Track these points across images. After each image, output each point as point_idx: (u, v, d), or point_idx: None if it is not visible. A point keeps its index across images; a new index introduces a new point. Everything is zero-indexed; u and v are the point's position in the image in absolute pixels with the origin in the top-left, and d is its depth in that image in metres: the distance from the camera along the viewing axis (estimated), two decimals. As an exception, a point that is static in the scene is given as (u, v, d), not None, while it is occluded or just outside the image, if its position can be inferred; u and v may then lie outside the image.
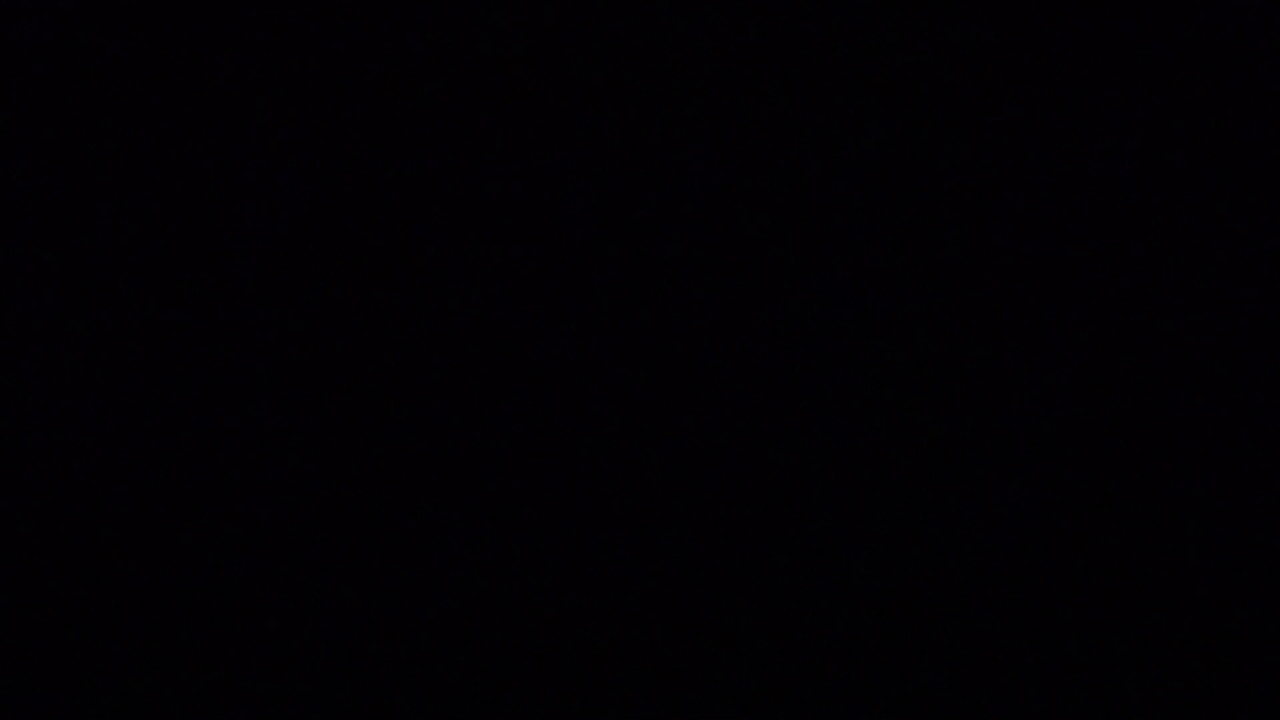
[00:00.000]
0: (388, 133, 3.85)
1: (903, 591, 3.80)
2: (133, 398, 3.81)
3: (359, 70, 3.85)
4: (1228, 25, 3.85)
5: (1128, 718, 3.76)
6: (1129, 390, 3.82)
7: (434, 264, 3.84)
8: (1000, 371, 3.83)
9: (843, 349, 3.84)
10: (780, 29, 3.87)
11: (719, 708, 3.78)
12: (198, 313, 3.81)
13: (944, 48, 3.86)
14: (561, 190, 3.85)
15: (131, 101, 3.83)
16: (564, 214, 3.84)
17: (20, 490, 3.78)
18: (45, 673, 3.76)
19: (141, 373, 3.81)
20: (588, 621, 3.79)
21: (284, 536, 3.80)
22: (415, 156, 3.85)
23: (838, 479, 3.83)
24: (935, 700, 3.78)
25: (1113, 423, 3.82)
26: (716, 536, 3.82)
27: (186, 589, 3.78)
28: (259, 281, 3.82)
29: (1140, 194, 3.85)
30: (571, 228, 3.84)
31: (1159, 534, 3.80)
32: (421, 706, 3.78)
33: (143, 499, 3.79)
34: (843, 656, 3.79)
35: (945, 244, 3.84)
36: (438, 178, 3.85)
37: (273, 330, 3.82)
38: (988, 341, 3.83)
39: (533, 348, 3.84)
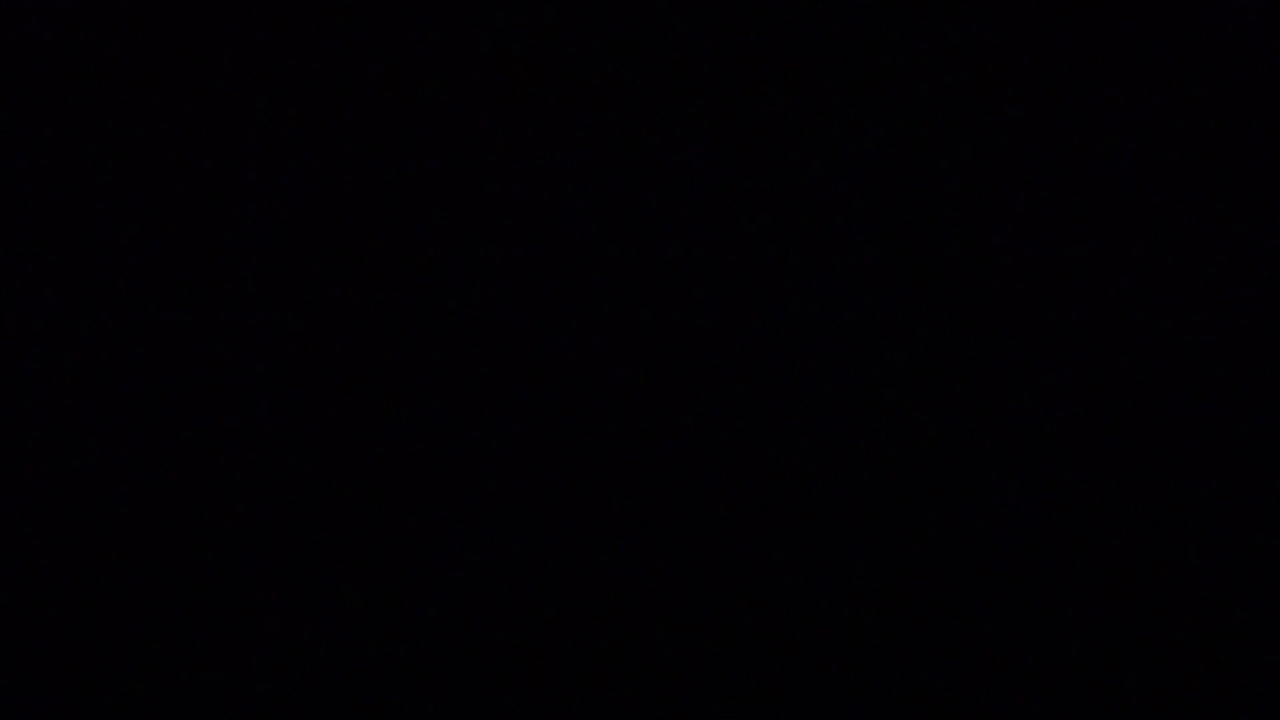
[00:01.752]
0: (388, 133, 3.85)
1: (903, 591, 3.80)
2: (133, 398, 3.81)
3: (359, 70, 3.85)
4: (1228, 25, 3.85)
5: (1128, 718, 3.76)
6: (1129, 390, 3.83)
7: (434, 264, 3.84)
8: (1000, 371, 3.83)
9: (843, 349, 3.84)
10: (780, 29, 3.87)
11: (719, 708, 3.78)
12: (198, 313, 3.82)
13: (944, 48, 3.86)
14: (562, 190, 3.85)
15: (132, 102, 3.83)
16: (564, 214, 3.84)
17: (20, 490, 3.79)
18: (45, 673, 3.76)
19: (141, 373, 3.81)
20: (588, 622, 3.79)
21: (284, 537, 3.80)
22: (415, 156, 3.85)
23: (838, 479, 3.83)
24: (935, 700, 3.78)
25: (1113, 423, 3.82)
26: (716, 536, 3.82)
27: (186, 589, 3.78)
28: (259, 281, 3.82)
29: (1140, 194, 3.85)
30: (572, 228, 3.84)
31: (1159, 534, 3.80)
32: (421, 706, 3.78)
33: (143, 499, 3.79)
34: (843, 656, 3.79)
35: (945, 244, 3.84)
36: (438, 178, 3.85)
37: (273, 330, 3.82)
38: (988, 341, 3.83)
39: (533, 348, 3.84)
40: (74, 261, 3.82)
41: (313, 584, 3.79)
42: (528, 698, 3.78)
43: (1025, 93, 3.86)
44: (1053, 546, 3.81)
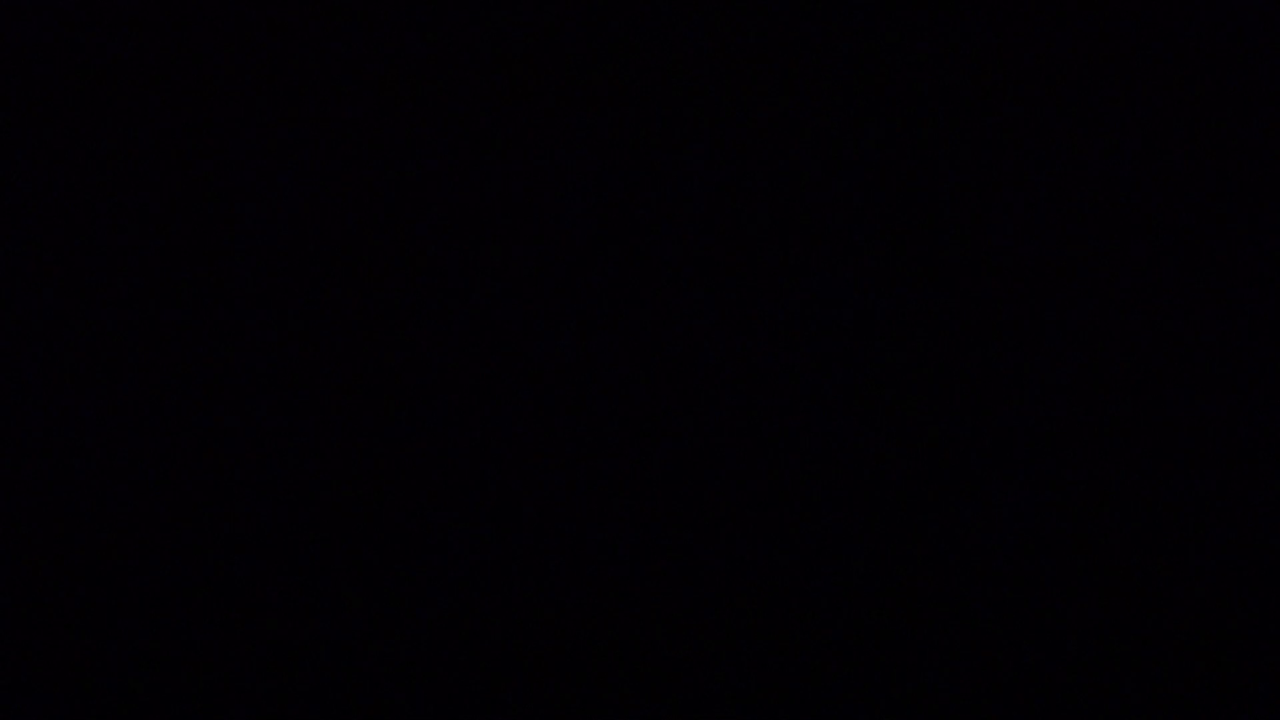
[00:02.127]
0: (388, 133, 3.85)
1: (903, 591, 3.80)
2: (133, 398, 3.81)
3: (359, 70, 3.85)
4: (1228, 25, 3.85)
5: (1128, 718, 3.76)
6: (1129, 390, 3.83)
7: (434, 264, 3.84)
8: (1000, 371, 3.83)
9: (843, 349, 3.84)
10: (780, 29, 3.87)
11: (719, 708, 3.78)
12: (198, 313, 3.82)
13: (944, 48, 3.86)
14: (561, 190, 3.85)
15: (132, 102, 3.83)
16: (564, 214, 3.84)
17: (20, 490, 3.79)
18: (45, 673, 3.76)
19: (142, 373, 3.81)
20: (588, 622, 3.79)
21: (284, 537, 3.80)
22: (415, 157, 3.85)
23: (838, 479, 3.83)
24: (935, 700, 3.78)
25: (1113, 423, 3.82)
26: (716, 537, 3.82)
27: (186, 589, 3.78)
28: (259, 281, 3.82)
29: (1140, 194, 3.85)
30: (571, 228, 3.85)
31: (1159, 534, 3.80)
32: (421, 706, 3.78)
33: (143, 499, 3.79)
34: (843, 656, 3.79)
35: (945, 244, 3.84)
36: (437, 178, 3.85)
37: (273, 330, 3.82)
38: (988, 342, 3.83)
39: (533, 348, 3.84)
40: (74, 261, 3.82)
41: (313, 584, 3.79)
42: (528, 698, 3.78)
43: (1025, 93, 3.86)
44: (1053, 547, 3.81)
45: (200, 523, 3.79)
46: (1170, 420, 3.82)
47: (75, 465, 3.79)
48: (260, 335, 3.82)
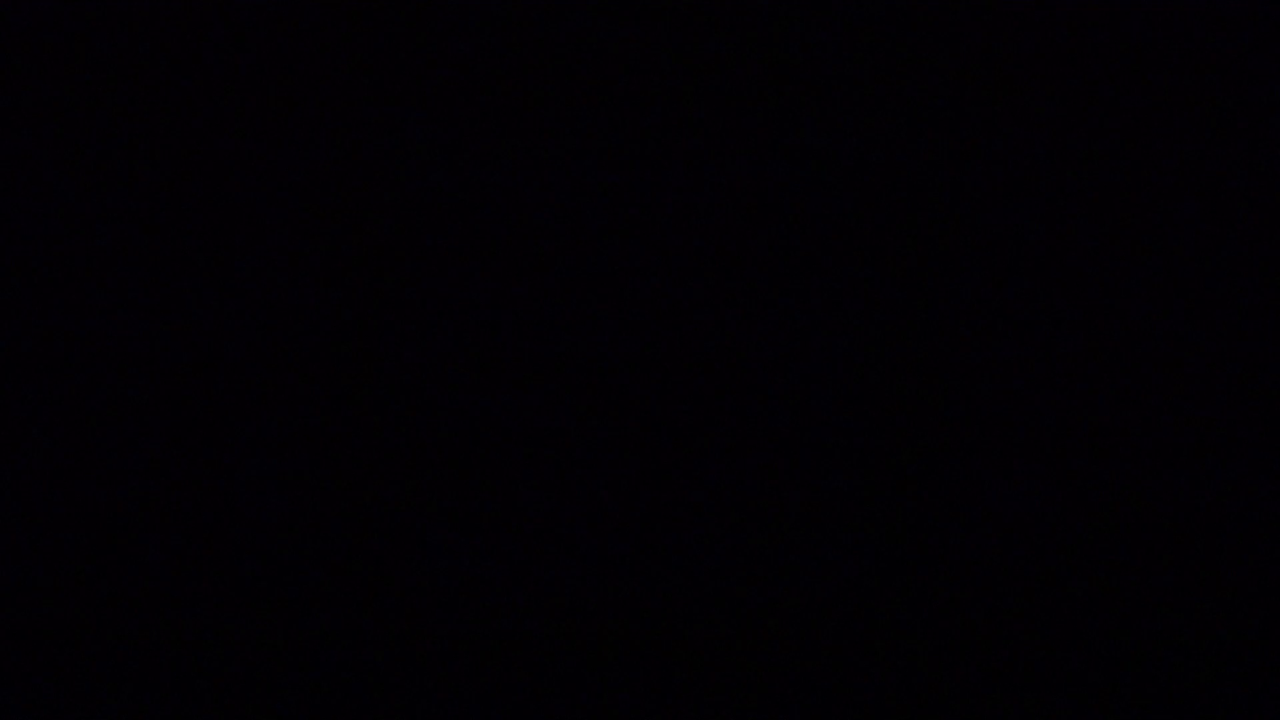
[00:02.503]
0: (387, 133, 3.85)
1: (902, 591, 3.80)
2: (132, 398, 3.81)
3: (358, 71, 3.86)
4: (1227, 26, 3.86)
5: (1128, 717, 3.77)
6: (1128, 390, 3.83)
7: (432, 264, 3.84)
8: (1000, 371, 3.83)
9: (843, 349, 3.84)
10: (780, 30, 3.87)
11: (719, 708, 3.78)
12: (197, 313, 3.82)
13: (943, 48, 3.86)
14: (560, 191, 3.85)
15: (131, 101, 3.84)
16: (563, 214, 3.85)
17: (20, 490, 3.79)
18: (45, 672, 3.76)
19: (141, 373, 3.81)
20: (587, 622, 3.80)
21: (284, 537, 3.80)
22: (414, 157, 3.85)
23: (837, 479, 3.83)
24: (935, 700, 3.79)
25: (1112, 422, 3.82)
26: (716, 536, 3.82)
27: (186, 589, 3.78)
28: (258, 281, 3.83)
29: (1139, 194, 3.85)
30: (570, 228, 3.85)
31: (1159, 534, 3.81)
32: (421, 706, 3.78)
33: (142, 499, 3.79)
34: (842, 656, 3.79)
35: (945, 244, 3.85)
36: (435, 178, 3.85)
37: (271, 330, 3.82)
38: (988, 342, 3.83)
39: (532, 348, 3.84)
40: (74, 261, 3.82)
41: (312, 584, 3.80)
42: (528, 698, 3.78)
43: (1024, 94, 3.87)
44: (1053, 547, 3.81)
45: (200, 523, 3.79)
46: (1169, 421, 3.82)
47: (74, 464, 3.79)
48: (259, 334, 3.82)
